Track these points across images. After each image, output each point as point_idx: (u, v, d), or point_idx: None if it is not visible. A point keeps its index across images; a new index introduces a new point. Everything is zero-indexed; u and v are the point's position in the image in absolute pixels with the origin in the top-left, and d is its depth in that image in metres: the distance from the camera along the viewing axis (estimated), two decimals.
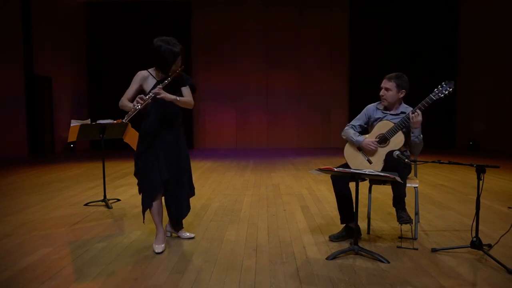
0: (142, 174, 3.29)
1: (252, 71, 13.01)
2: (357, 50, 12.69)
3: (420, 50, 12.25)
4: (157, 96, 3.08)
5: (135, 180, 3.43)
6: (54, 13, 11.60)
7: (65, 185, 6.26)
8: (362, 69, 12.39)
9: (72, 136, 4.61)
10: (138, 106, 3.05)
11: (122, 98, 3.25)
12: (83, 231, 3.79)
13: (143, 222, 3.48)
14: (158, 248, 3.21)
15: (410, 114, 3.24)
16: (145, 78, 3.26)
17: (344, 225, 3.44)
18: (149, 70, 3.31)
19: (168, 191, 3.35)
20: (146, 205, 3.30)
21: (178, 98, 3.20)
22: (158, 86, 3.11)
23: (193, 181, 3.59)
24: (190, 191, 3.49)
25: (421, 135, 3.32)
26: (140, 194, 3.36)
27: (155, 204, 3.29)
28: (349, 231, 3.37)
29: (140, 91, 3.26)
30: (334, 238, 3.43)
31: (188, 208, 3.46)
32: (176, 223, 3.52)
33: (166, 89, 3.16)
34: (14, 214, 4.45)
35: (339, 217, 3.81)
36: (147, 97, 3.09)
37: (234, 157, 10.34)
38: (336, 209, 4.48)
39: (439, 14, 12.33)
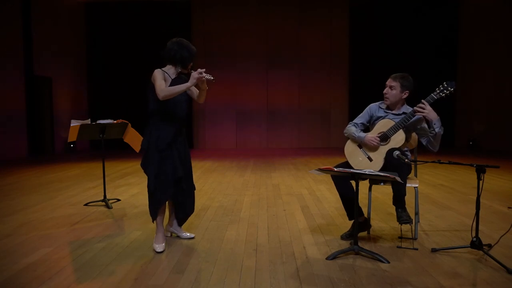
0: (159, 174, 3.26)
1: (252, 71, 13.00)
2: (357, 50, 12.69)
3: (420, 50, 12.25)
4: (202, 77, 3.12)
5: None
6: (54, 13, 11.60)
7: (65, 185, 6.26)
8: (362, 69, 12.40)
9: (72, 136, 4.61)
10: (207, 76, 3.13)
11: (163, 88, 3.15)
12: (83, 231, 3.79)
13: (153, 222, 3.39)
14: (159, 247, 3.22)
15: (417, 112, 3.21)
16: (164, 74, 3.29)
17: (352, 221, 3.43)
18: (162, 69, 3.34)
19: (179, 189, 3.37)
20: (160, 203, 3.29)
21: (206, 87, 3.32)
22: (201, 69, 3.14)
23: (193, 181, 3.63)
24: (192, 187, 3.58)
25: (443, 127, 3.26)
26: (151, 192, 3.29)
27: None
28: (359, 225, 3.35)
29: None
30: (346, 237, 3.43)
31: (194, 204, 3.55)
32: (182, 220, 3.54)
33: (182, 80, 3.28)
34: (14, 214, 4.45)
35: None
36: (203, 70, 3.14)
37: (234, 157, 10.34)
38: (336, 209, 4.50)
39: (439, 14, 12.33)
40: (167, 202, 3.45)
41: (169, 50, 3.32)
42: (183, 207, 3.47)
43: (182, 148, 3.41)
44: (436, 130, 3.24)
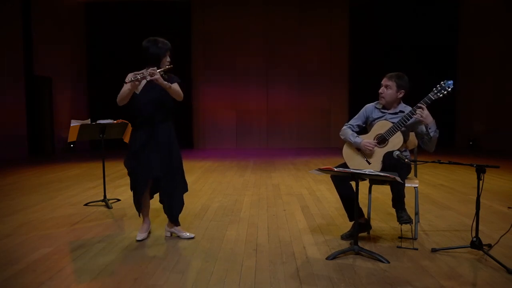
0: (134, 173, 3.44)
1: (252, 71, 13.00)
2: (357, 50, 12.68)
3: (420, 50, 12.24)
4: (151, 77, 3.20)
5: None
6: (54, 13, 11.59)
7: (65, 185, 6.26)
8: (362, 69, 12.37)
9: (72, 136, 4.61)
10: (138, 76, 3.19)
11: (119, 94, 3.37)
12: (83, 231, 3.79)
13: (139, 216, 3.64)
14: (139, 236, 3.48)
15: (416, 114, 3.22)
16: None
17: (353, 222, 3.42)
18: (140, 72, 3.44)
19: (162, 189, 3.48)
20: (138, 200, 3.50)
21: (170, 85, 3.31)
22: (152, 68, 3.24)
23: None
24: (183, 188, 3.57)
25: (438, 130, 3.28)
26: (132, 189, 3.51)
27: (143, 198, 3.50)
28: (359, 226, 3.35)
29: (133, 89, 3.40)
30: (346, 237, 3.43)
31: (180, 205, 3.54)
32: (171, 219, 3.56)
33: (158, 86, 3.30)
34: (14, 214, 4.45)
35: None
36: (147, 72, 3.22)
37: (234, 157, 10.33)
38: (336, 209, 4.50)
39: (439, 13, 12.33)
40: (159, 201, 3.59)
41: (141, 51, 3.38)
42: (166, 208, 3.51)
43: (164, 151, 3.41)
44: (431, 134, 3.26)
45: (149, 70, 3.23)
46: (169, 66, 3.38)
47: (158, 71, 3.25)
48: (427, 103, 3.23)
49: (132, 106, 3.40)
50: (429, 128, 3.24)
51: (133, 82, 3.20)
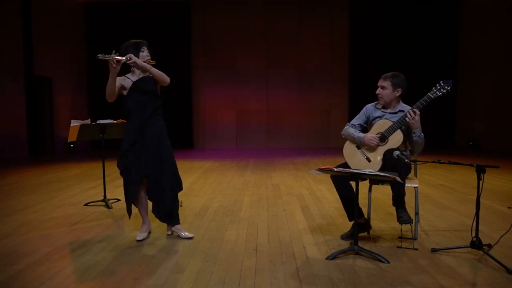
0: (126, 172, 3.47)
1: (252, 71, 13.00)
2: (357, 50, 12.69)
3: (420, 50, 12.25)
4: (128, 61, 3.27)
5: None
6: (54, 13, 11.60)
7: (65, 185, 6.26)
8: (362, 69, 12.37)
9: (72, 136, 4.62)
10: (113, 55, 3.25)
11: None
12: (83, 231, 3.79)
13: (129, 218, 3.67)
14: (139, 236, 3.48)
15: (408, 114, 3.27)
16: (124, 79, 3.50)
17: (353, 222, 3.43)
18: (126, 75, 3.53)
19: (151, 189, 3.49)
20: (129, 200, 3.52)
21: (150, 66, 3.37)
22: (129, 55, 3.31)
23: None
24: (176, 186, 3.55)
25: (422, 134, 3.36)
26: (124, 188, 3.53)
27: (138, 197, 3.51)
28: (359, 226, 3.36)
29: (121, 91, 3.50)
30: (346, 237, 3.43)
31: (171, 202, 3.48)
32: (160, 218, 3.55)
33: (145, 81, 3.43)
34: (14, 214, 4.45)
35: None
36: (124, 57, 3.29)
37: (234, 157, 10.33)
38: (336, 209, 4.50)
39: (439, 13, 12.33)
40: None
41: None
42: (157, 205, 3.49)
43: (153, 151, 3.43)
44: (414, 138, 3.34)
45: (126, 56, 3.29)
46: (151, 62, 3.44)
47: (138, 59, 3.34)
48: (427, 102, 3.29)
49: (122, 107, 3.48)
50: (413, 133, 3.32)
51: (112, 69, 3.23)
